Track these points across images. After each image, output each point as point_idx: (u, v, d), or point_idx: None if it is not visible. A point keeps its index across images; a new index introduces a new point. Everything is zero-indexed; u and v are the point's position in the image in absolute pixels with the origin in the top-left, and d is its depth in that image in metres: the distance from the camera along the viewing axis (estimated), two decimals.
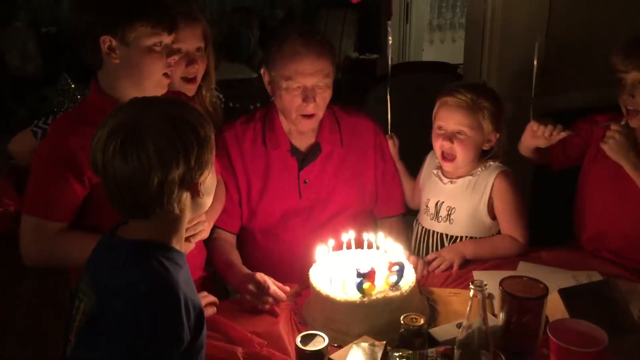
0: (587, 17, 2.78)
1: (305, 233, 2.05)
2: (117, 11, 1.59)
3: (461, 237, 2.09)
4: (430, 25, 6.24)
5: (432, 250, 2.10)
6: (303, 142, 2.10)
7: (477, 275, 1.90)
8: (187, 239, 1.64)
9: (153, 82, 1.66)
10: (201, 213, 1.36)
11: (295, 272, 1.90)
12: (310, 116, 2.00)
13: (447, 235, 2.11)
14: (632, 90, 1.92)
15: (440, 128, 2.05)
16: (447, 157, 2.04)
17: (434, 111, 2.08)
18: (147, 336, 1.11)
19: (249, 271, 1.88)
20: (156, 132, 1.16)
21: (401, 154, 2.27)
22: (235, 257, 2.02)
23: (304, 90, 1.96)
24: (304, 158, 2.10)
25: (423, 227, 2.18)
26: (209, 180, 1.29)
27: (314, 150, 2.10)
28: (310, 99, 1.96)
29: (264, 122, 2.11)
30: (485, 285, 1.35)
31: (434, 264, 1.98)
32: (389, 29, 2.52)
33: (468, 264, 2.00)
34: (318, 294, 1.66)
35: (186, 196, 1.24)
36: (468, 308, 1.36)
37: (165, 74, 1.69)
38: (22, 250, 1.66)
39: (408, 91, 2.97)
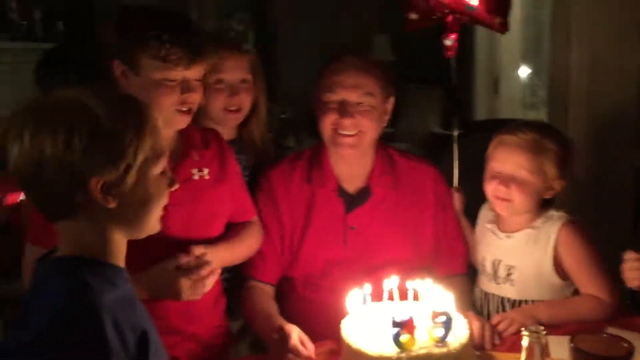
0: None
1: (350, 285, 1.80)
2: (128, 37, 1.50)
3: (525, 302, 1.76)
4: (524, 103, 6.00)
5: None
6: (352, 185, 1.90)
7: (553, 341, 1.56)
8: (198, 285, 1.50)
9: (163, 117, 1.52)
10: (139, 231, 1.16)
11: (335, 327, 1.65)
12: (349, 136, 1.81)
13: (508, 299, 1.80)
14: None
15: (495, 169, 1.78)
16: (501, 198, 1.77)
17: (489, 150, 1.82)
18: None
19: (283, 322, 1.66)
20: (44, 112, 1.03)
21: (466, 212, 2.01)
22: (272, 307, 1.81)
23: (341, 104, 1.80)
24: (352, 201, 1.88)
25: (482, 290, 1.88)
26: (134, 186, 1.08)
27: (364, 193, 1.89)
28: (347, 113, 1.78)
29: (312, 160, 1.94)
30: (544, 331, 1.06)
31: (501, 326, 1.66)
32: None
33: None
34: (349, 349, 1.41)
35: (84, 197, 1.04)
36: None
37: (180, 111, 1.56)
38: (25, 281, 1.53)
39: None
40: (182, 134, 1.65)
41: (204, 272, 1.52)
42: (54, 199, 1.05)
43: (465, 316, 1.59)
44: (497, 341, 1.63)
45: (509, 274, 1.79)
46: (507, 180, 1.74)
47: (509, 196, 1.75)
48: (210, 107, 1.92)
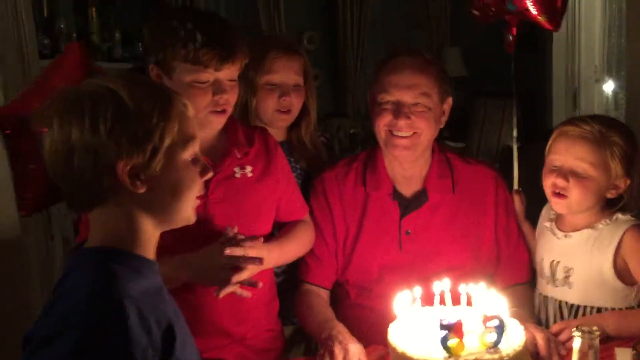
0: None
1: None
2: (160, 42, 1.50)
3: (585, 307, 1.64)
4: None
5: (551, 323, 1.67)
6: (408, 188, 1.85)
7: (620, 353, 1.44)
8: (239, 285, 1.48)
9: (198, 119, 1.49)
10: (170, 220, 1.13)
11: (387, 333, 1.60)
12: (403, 138, 1.75)
13: (566, 303, 1.67)
14: None
15: (554, 163, 1.67)
16: (559, 193, 1.65)
17: (549, 143, 1.70)
18: (82, 350, 0.94)
19: (340, 328, 1.62)
20: (70, 100, 1.03)
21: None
22: (329, 311, 1.78)
23: (397, 105, 1.75)
24: (408, 205, 1.82)
25: (540, 294, 1.76)
26: (163, 170, 1.06)
27: (420, 196, 1.83)
28: (402, 115, 1.73)
29: (366, 163, 1.90)
30: (597, 332, 0.97)
31: (563, 336, 1.55)
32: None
33: (609, 340, 1.53)
34: (394, 352, 1.36)
35: (113, 183, 1.03)
36: None
37: (215, 112, 1.55)
38: None
39: None
40: (226, 132, 1.66)
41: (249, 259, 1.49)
42: (84, 186, 1.05)
43: (526, 327, 1.50)
44: (563, 352, 1.53)
45: (567, 276, 1.67)
46: (566, 173, 1.63)
47: (567, 191, 1.63)
48: (260, 109, 1.92)
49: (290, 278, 1.89)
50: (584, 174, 1.62)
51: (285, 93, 1.90)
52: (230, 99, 1.58)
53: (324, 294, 1.86)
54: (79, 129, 1.01)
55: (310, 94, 2.00)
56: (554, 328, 1.59)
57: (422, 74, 1.76)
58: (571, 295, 1.68)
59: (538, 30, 5.36)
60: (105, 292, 0.99)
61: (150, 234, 1.11)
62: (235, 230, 1.52)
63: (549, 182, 1.68)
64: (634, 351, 1.13)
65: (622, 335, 1.54)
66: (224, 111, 1.57)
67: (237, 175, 1.64)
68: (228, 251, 1.47)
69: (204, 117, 1.54)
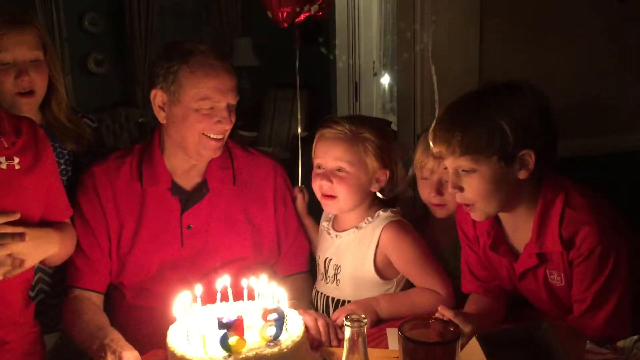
0: (522, 64, 2.60)
1: (186, 289, 1.67)
2: None
3: (348, 302, 1.73)
4: (384, 109, 6.16)
5: None
6: (188, 181, 1.77)
7: (391, 333, 1.54)
8: None
9: None
10: None
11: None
12: (218, 140, 1.71)
13: (332, 298, 1.76)
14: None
15: (319, 166, 1.73)
16: (327, 195, 1.72)
17: (313, 147, 1.76)
18: None
19: (114, 336, 1.50)
20: None
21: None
22: (102, 318, 1.65)
23: (218, 111, 1.68)
24: (189, 199, 1.76)
25: (314, 288, 1.84)
26: None
27: (200, 189, 1.77)
28: (227, 119, 1.68)
29: (142, 157, 1.78)
30: (365, 320, 1.01)
31: (339, 321, 1.62)
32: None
33: (381, 322, 1.64)
34: (173, 356, 1.29)
35: None
36: (344, 355, 1.01)
37: None
38: None
39: None
40: None
41: None
42: None
43: (307, 314, 1.54)
44: (340, 336, 1.59)
45: (336, 274, 1.76)
46: (328, 175, 1.69)
47: (333, 192, 1.70)
48: None
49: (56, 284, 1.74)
50: (343, 173, 1.68)
51: (22, 72, 1.69)
52: None
53: (97, 299, 1.73)
54: None
55: (54, 66, 1.80)
56: (334, 316, 1.65)
57: (233, 75, 1.72)
58: (338, 291, 1.75)
59: (324, 25, 5.55)
60: None
61: None
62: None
63: (316, 186, 1.73)
64: (399, 332, 1.20)
65: (393, 317, 1.64)
66: None
67: (3, 167, 1.46)
68: None
69: None
